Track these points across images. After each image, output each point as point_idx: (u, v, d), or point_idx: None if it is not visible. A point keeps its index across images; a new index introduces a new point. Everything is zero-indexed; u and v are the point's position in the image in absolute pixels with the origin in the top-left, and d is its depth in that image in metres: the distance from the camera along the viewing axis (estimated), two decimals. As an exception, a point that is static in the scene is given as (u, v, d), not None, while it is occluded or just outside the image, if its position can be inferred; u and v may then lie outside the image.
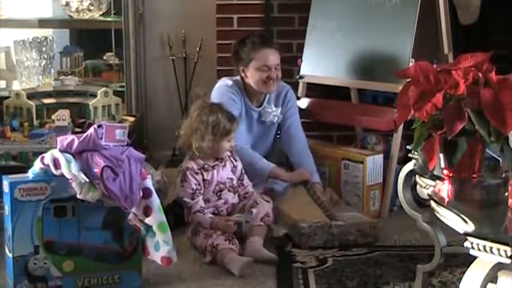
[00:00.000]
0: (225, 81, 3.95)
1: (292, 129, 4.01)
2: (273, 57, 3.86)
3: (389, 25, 3.98)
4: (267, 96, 3.97)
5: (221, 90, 3.90)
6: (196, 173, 3.47)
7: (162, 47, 4.83)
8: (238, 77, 3.95)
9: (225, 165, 3.54)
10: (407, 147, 2.73)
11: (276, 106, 3.99)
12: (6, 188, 2.89)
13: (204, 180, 3.48)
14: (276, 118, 3.99)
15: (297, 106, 4.08)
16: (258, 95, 3.96)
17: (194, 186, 3.45)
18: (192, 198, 3.44)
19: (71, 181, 2.85)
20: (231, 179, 3.55)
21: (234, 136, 3.53)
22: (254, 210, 3.42)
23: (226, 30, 4.46)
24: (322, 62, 4.25)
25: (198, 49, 4.73)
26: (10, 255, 2.90)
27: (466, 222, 2.08)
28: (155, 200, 2.96)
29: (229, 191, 3.54)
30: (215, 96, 3.85)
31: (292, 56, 4.53)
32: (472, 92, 2.40)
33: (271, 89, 3.89)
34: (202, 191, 3.47)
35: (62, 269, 2.95)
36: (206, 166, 3.49)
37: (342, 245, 3.46)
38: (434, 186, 2.48)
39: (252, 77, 3.87)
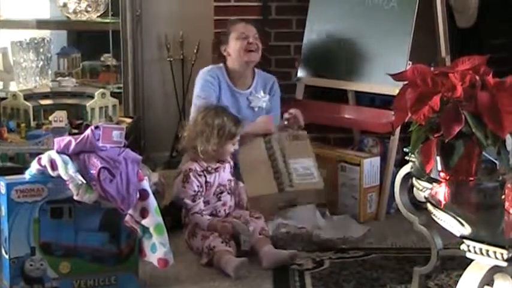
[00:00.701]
0: (205, 68, 4.07)
1: (273, 111, 4.06)
2: (249, 27, 4.01)
3: (386, 28, 3.98)
4: (254, 81, 4.04)
5: (199, 76, 4.02)
6: (199, 175, 3.47)
7: (160, 48, 4.83)
8: (221, 64, 4.06)
9: (225, 167, 3.54)
10: (404, 149, 2.73)
11: (264, 93, 4.06)
12: (2, 189, 2.89)
13: (206, 182, 3.47)
14: (265, 104, 4.05)
15: (279, 95, 4.14)
16: (242, 78, 4.03)
17: (196, 188, 3.44)
18: (193, 200, 3.43)
19: (67, 182, 2.85)
20: (230, 180, 3.56)
21: (238, 139, 3.55)
22: (251, 228, 3.40)
23: (224, 32, 4.45)
24: (319, 64, 4.25)
25: (195, 51, 4.73)
26: (6, 256, 2.90)
27: (462, 225, 2.08)
28: (152, 202, 2.96)
29: (228, 193, 3.54)
30: (196, 84, 3.99)
31: (289, 58, 4.54)
32: (469, 95, 2.41)
33: (252, 58, 3.99)
34: (203, 193, 3.46)
35: (59, 271, 2.94)
36: (209, 168, 3.50)
37: (321, 248, 3.47)
38: (431, 189, 2.48)
39: (233, 49, 3.98)
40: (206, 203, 3.48)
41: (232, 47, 3.97)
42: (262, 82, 4.07)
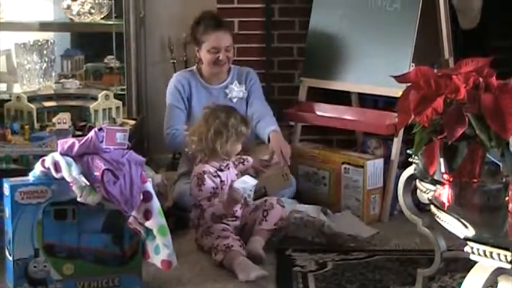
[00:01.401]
0: (175, 73, 4.19)
1: (256, 101, 4.11)
2: (223, 40, 3.99)
3: (390, 29, 3.98)
4: (229, 75, 4.11)
5: (170, 82, 4.12)
6: (214, 176, 3.47)
7: (163, 50, 4.84)
8: (193, 67, 4.17)
9: (230, 164, 3.58)
10: (408, 151, 2.73)
11: (239, 83, 4.11)
12: (6, 190, 2.89)
13: (221, 181, 3.48)
14: (242, 93, 4.10)
15: (259, 84, 4.18)
16: (216, 75, 4.09)
17: (212, 190, 3.45)
18: (209, 200, 3.44)
19: (71, 184, 2.85)
20: (237, 174, 3.58)
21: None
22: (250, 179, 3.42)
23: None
24: (322, 66, 4.25)
25: (198, 53, 4.73)
26: (10, 258, 2.90)
27: (466, 227, 2.09)
28: (155, 204, 2.96)
29: None
30: (167, 92, 4.10)
31: (292, 59, 4.54)
32: (472, 97, 2.41)
33: (221, 69, 4.05)
34: (219, 194, 3.47)
35: (62, 272, 2.95)
36: (222, 167, 3.51)
37: (329, 243, 3.49)
38: (435, 191, 2.49)
39: (204, 58, 4.04)
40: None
41: (203, 56, 4.04)
42: (237, 75, 4.13)
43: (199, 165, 3.51)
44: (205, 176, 3.45)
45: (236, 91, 4.10)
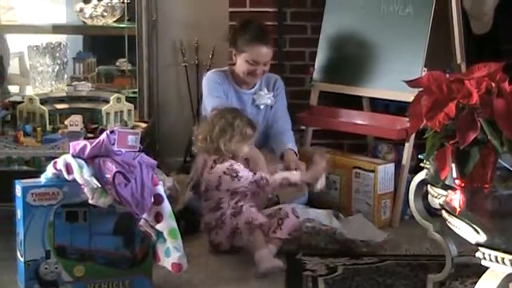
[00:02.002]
0: (209, 72, 4.19)
1: (279, 111, 4.14)
2: (264, 55, 4.00)
3: (402, 34, 3.98)
4: (259, 81, 4.11)
5: (206, 78, 4.12)
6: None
7: (175, 53, 4.85)
8: (226, 68, 4.15)
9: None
10: (419, 156, 2.73)
11: (268, 91, 4.12)
12: (18, 192, 2.91)
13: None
14: (270, 101, 4.12)
15: (284, 93, 4.19)
16: (247, 82, 4.10)
17: (246, 171, 3.51)
18: (255, 173, 3.50)
19: (82, 186, 2.86)
20: None
21: (252, 142, 3.65)
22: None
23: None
24: (334, 70, 4.25)
25: (210, 56, 4.74)
26: (22, 259, 2.92)
27: (477, 232, 2.08)
28: (166, 206, 2.97)
29: None
30: (204, 86, 4.09)
31: (304, 64, 4.54)
32: (484, 102, 2.40)
33: (253, 81, 4.08)
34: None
35: (73, 274, 2.96)
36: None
37: (342, 249, 3.50)
38: (446, 196, 2.48)
39: (239, 65, 4.04)
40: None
41: (239, 63, 4.04)
42: (265, 81, 4.14)
43: (222, 164, 3.51)
44: (236, 167, 3.48)
45: (265, 98, 4.11)
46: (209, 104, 3.98)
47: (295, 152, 3.98)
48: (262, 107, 4.11)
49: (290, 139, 4.05)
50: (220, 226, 3.46)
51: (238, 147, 3.54)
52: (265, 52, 3.99)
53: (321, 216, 3.69)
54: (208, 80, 4.10)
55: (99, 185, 2.86)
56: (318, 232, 3.54)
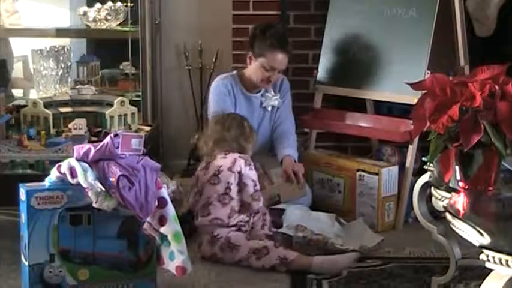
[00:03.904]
0: (218, 77, 4.15)
1: (284, 112, 4.15)
2: (282, 62, 3.99)
3: (405, 37, 3.98)
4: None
5: (214, 86, 4.09)
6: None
7: (178, 57, 4.85)
8: (234, 72, 4.13)
9: None
10: (423, 159, 2.73)
11: (274, 91, 4.13)
12: (23, 196, 2.91)
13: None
14: (277, 102, 4.13)
15: (290, 93, 4.21)
16: (256, 86, 4.10)
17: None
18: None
19: (87, 190, 2.87)
20: None
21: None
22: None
23: (242, 40, 4.46)
24: (337, 73, 4.25)
25: (214, 59, 4.75)
26: (26, 263, 2.92)
27: (481, 234, 2.08)
28: (170, 210, 2.97)
29: None
30: (211, 92, 4.09)
31: (308, 66, 4.54)
32: (488, 105, 2.40)
33: (265, 87, 4.07)
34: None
35: (77, 278, 2.96)
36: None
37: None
38: (450, 199, 2.48)
39: (254, 70, 4.02)
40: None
41: (254, 67, 4.02)
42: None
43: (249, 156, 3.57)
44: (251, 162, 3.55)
45: (272, 100, 4.11)
46: (210, 114, 4.01)
47: (294, 159, 3.97)
48: (269, 108, 4.12)
49: (291, 144, 4.05)
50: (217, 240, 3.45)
51: (250, 148, 3.61)
52: (283, 59, 3.98)
53: (322, 219, 3.69)
54: (214, 90, 4.07)
55: (103, 189, 2.86)
56: (308, 243, 3.51)
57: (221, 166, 3.49)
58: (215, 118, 3.70)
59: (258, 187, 3.53)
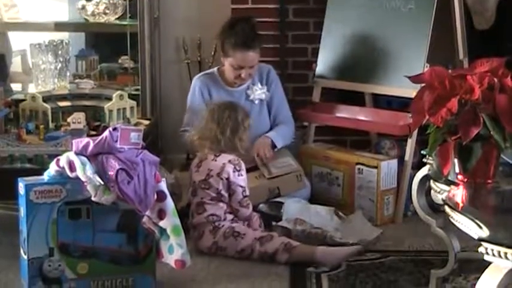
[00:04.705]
0: (198, 75, 4.20)
1: (278, 104, 4.14)
2: (249, 60, 3.96)
3: (404, 30, 3.98)
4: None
5: (193, 84, 4.14)
6: None
7: (177, 50, 4.85)
8: (214, 69, 4.16)
9: None
10: (422, 152, 2.72)
11: (261, 85, 4.11)
12: (21, 190, 2.91)
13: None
14: (264, 95, 4.10)
15: (279, 82, 4.19)
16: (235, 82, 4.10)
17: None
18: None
19: (85, 184, 2.87)
20: None
21: None
22: None
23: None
24: (336, 67, 4.25)
25: (212, 53, 4.74)
26: (25, 256, 2.92)
27: (480, 227, 2.08)
28: (169, 203, 2.97)
29: None
30: (190, 91, 4.14)
31: (307, 60, 4.54)
32: (487, 97, 2.40)
33: (241, 83, 4.06)
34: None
35: (77, 271, 2.96)
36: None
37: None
38: (449, 192, 2.48)
39: (227, 68, 4.03)
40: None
41: (227, 66, 4.03)
42: (258, 74, 4.11)
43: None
44: (242, 163, 3.53)
45: (258, 93, 4.10)
46: (186, 112, 4.09)
47: (271, 139, 3.99)
48: (256, 102, 4.10)
49: (278, 129, 4.06)
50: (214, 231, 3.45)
51: (247, 140, 3.60)
52: (250, 57, 3.95)
53: (321, 213, 3.69)
54: (192, 87, 4.13)
55: (102, 182, 2.86)
56: (307, 236, 3.52)
57: (211, 171, 3.49)
58: (211, 113, 3.61)
59: (247, 193, 3.51)
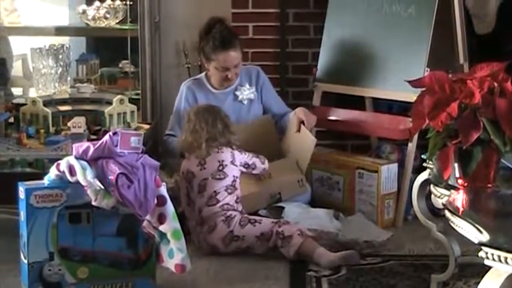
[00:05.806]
0: (186, 81, 4.21)
1: (271, 101, 4.17)
2: (232, 60, 3.98)
3: (404, 34, 3.98)
4: (238, 78, 4.09)
5: (180, 90, 4.14)
6: None
7: (178, 55, 4.85)
8: (202, 75, 4.17)
9: None
10: (422, 156, 2.73)
11: (250, 85, 4.12)
12: (22, 194, 2.91)
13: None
14: (252, 95, 4.12)
15: (269, 81, 4.21)
16: (222, 85, 4.11)
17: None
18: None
19: (86, 188, 2.87)
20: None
21: None
22: None
23: (241, 39, 4.45)
24: (337, 71, 4.25)
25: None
26: (25, 261, 2.92)
27: (480, 232, 2.08)
28: (169, 208, 2.97)
29: None
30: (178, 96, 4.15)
31: (307, 64, 4.54)
32: (487, 102, 2.40)
33: (229, 84, 4.07)
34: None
35: (77, 276, 2.96)
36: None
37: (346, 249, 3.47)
38: (449, 196, 2.48)
39: (212, 73, 4.05)
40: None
41: (211, 71, 4.05)
42: (246, 76, 4.13)
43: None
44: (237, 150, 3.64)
45: (247, 93, 4.11)
46: (172, 116, 4.12)
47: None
48: (245, 102, 4.11)
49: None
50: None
51: (236, 133, 3.67)
52: (231, 57, 3.96)
53: (321, 216, 3.69)
54: (179, 93, 4.13)
55: (102, 187, 2.87)
56: (320, 235, 3.53)
57: (223, 161, 3.55)
58: (197, 116, 3.64)
59: (261, 157, 3.70)
